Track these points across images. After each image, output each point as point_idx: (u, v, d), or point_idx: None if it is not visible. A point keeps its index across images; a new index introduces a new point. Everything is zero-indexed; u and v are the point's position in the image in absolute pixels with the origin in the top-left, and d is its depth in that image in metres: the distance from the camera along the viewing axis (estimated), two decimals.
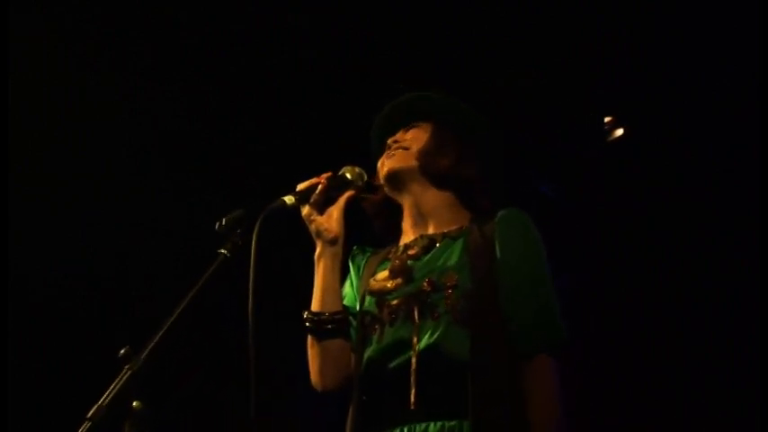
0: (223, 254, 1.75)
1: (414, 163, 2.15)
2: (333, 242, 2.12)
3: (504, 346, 1.90)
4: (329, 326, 2.07)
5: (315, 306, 2.10)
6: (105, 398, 1.46)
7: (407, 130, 2.23)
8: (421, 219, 2.17)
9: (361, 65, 3.51)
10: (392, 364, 1.94)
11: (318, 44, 3.54)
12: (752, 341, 3.34)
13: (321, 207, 2.12)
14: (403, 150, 2.17)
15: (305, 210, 2.09)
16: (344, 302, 2.17)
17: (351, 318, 2.13)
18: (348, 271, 2.24)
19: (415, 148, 2.17)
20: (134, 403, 1.46)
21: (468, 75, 3.48)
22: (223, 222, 1.79)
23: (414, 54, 3.47)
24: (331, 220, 2.12)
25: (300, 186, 2.09)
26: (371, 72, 3.21)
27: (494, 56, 3.52)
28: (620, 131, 3.86)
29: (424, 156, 2.15)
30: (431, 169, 2.14)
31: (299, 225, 2.08)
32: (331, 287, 2.11)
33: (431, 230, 2.14)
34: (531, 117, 3.73)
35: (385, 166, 2.18)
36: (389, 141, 2.22)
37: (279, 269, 3.68)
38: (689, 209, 3.80)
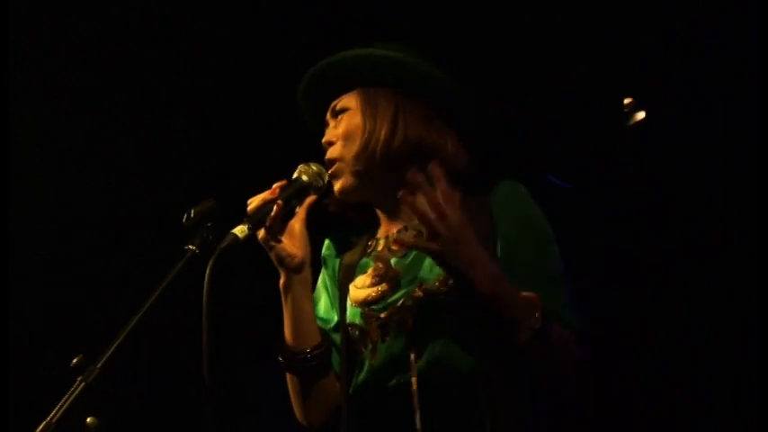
0: (191, 250, 1.54)
1: (356, 172, 1.85)
2: (299, 268, 1.82)
3: None
4: (311, 363, 1.83)
5: (290, 342, 1.83)
6: (55, 413, 1.30)
7: (336, 116, 1.92)
8: (399, 213, 1.89)
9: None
10: (390, 385, 1.72)
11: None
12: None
13: (279, 228, 1.81)
14: (339, 164, 1.86)
15: (261, 235, 1.79)
16: (321, 314, 1.93)
17: (332, 336, 1.90)
18: (319, 269, 1.99)
19: (348, 152, 1.85)
20: (88, 419, 1.30)
21: (474, 54, 3.23)
22: (191, 214, 1.57)
23: (417, 29, 3.19)
24: (293, 239, 1.82)
25: (251, 206, 1.77)
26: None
27: (503, 34, 3.28)
28: (641, 115, 3.57)
29: (361, 153, 1.84)
30: (375, 162, 1.83)
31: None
32: (304, 319, 1.83)
33: (414, 221, 1.84)
34: (540, 99, 3.44)
35: (334, 186, 1.89)
36: (323, 143, 1.92)
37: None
38: (717, 202, 3.48)
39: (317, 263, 1.97)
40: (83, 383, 1.32)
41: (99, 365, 1.34)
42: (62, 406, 1.30)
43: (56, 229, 3.77)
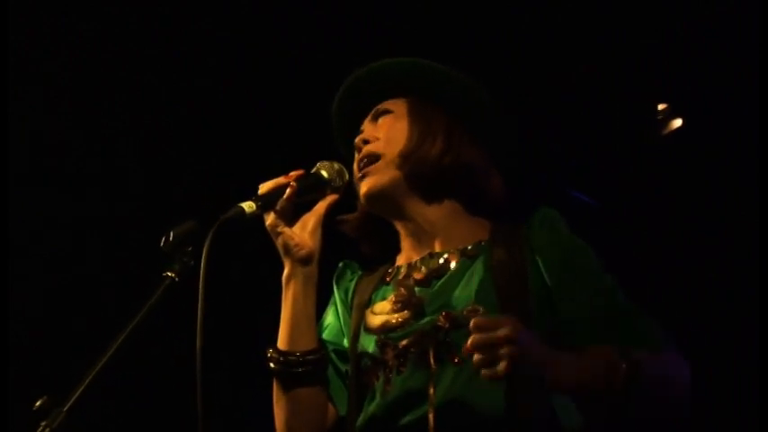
0: (170, 277, 1.39)
1: (395, 175, 1.71)
2: (306, 261, 1.69)
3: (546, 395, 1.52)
4: (300, 369, 1.67)
5: (282, 343, 1.69)
6: None
7: (377, 118, 1.80)
8: (425, 236, 1.75)
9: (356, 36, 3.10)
10: (403, 422, 1.56)
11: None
12: None
13: (290, 215, 1.69)
14: (376, 162, 1.74)
15: (269, 219, 1.67)
16: (325, 336, 1.79)
17: (333, 356, 1.76)
18: (330, 294, 1.85)
19: (390, 152, 1.72)
20: None
21: (496, 58, 3.04)
22: (170, 237, 1.42)
23: (435, 30, 3.04)
24: (304, 231, 1.70)
25: (263, 188, 1.66)
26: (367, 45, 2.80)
27: (524, 37, 3.08)
28: (677, 122, 3.29)
29: (406, 158, 1.70)
30: (419, 172, 1.70)
31: (265, 233, 1.69)
32: (303, 319, 1.69)
33: (439, 248, 1.73)
34: (567, 105, 3.19)
35: (361, 187, 1.75)
36: (357, 141, 1.78)
37: (237, 288, 3.46)
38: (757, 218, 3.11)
39: (327, 282, 1.85)
40: (47, 430, 1.19)
41: (65, 409, 1.21)
42: None
43: (56, 230, 3.72)
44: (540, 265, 1.62)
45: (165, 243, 1.42)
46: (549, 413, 1.52)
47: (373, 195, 1.73)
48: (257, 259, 1.94)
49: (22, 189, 3.53)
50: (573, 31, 3.05)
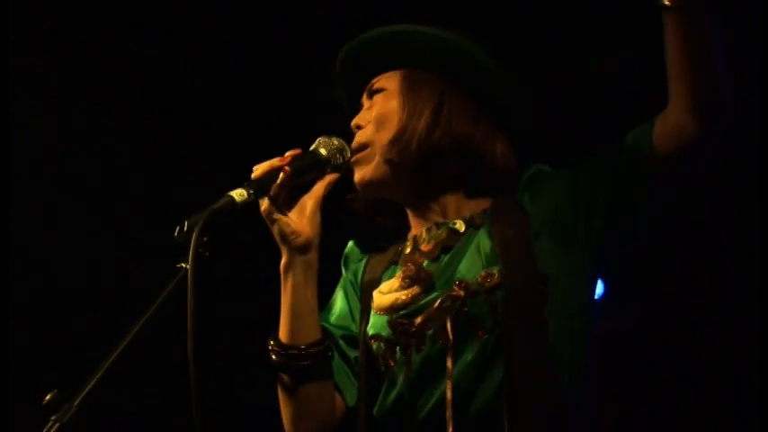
0: (184, 268, 1.33)
1: (385, 164, 1.64)
2: (304, 248, 1.59)
3: (551, 373, 1.46)
4: (304, 362, 1.58)
5: (284, 335, 1.60)
6: None
7: (372, 96, 1.72)
8: (431, 212, 1.68)
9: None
10: (429, 401, 1.51)
11: None
12: None
13: (286, 200, 1.59)
14: (366, 153, 1.66)
15: (264, 205, 1.57)
16: (333, 320, 1.72)
17: (341, 342, 1.68)
18: (337, 275, 1.78)
19: (379, 138, 1.64)
20: None
21: (528, 37, 3.00)
22: (184, 227, 1.36)
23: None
24: (302, 216, 1.60)
25: (256, 172, 1.55)
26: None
27: (555, 17, 3.02)
28: None
29: (393, 143, 1.62)
30: (408, 155, 1.62)
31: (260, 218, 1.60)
32: (304, 310, 1.60)
33: (446, 218, 1.67)
34: (595, 89, 3.14)
35: (355, 178, 1.68)
36: (352, 124, 1.71)
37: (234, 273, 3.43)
38: None
39: (335, 262, 1.79)
40: (57, 424, 1.15)
41: (76, 404, 1.16)
42: None
43: (56, 230, 3.70)
44: (534, 242, 1.56)
45: (179, 233, 1.37)
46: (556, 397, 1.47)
47: (366, 185, 1.68)
48: (252, 245, 1.85)
49: (22, 189, 3.51)
50: (604, 12, 2.97)
